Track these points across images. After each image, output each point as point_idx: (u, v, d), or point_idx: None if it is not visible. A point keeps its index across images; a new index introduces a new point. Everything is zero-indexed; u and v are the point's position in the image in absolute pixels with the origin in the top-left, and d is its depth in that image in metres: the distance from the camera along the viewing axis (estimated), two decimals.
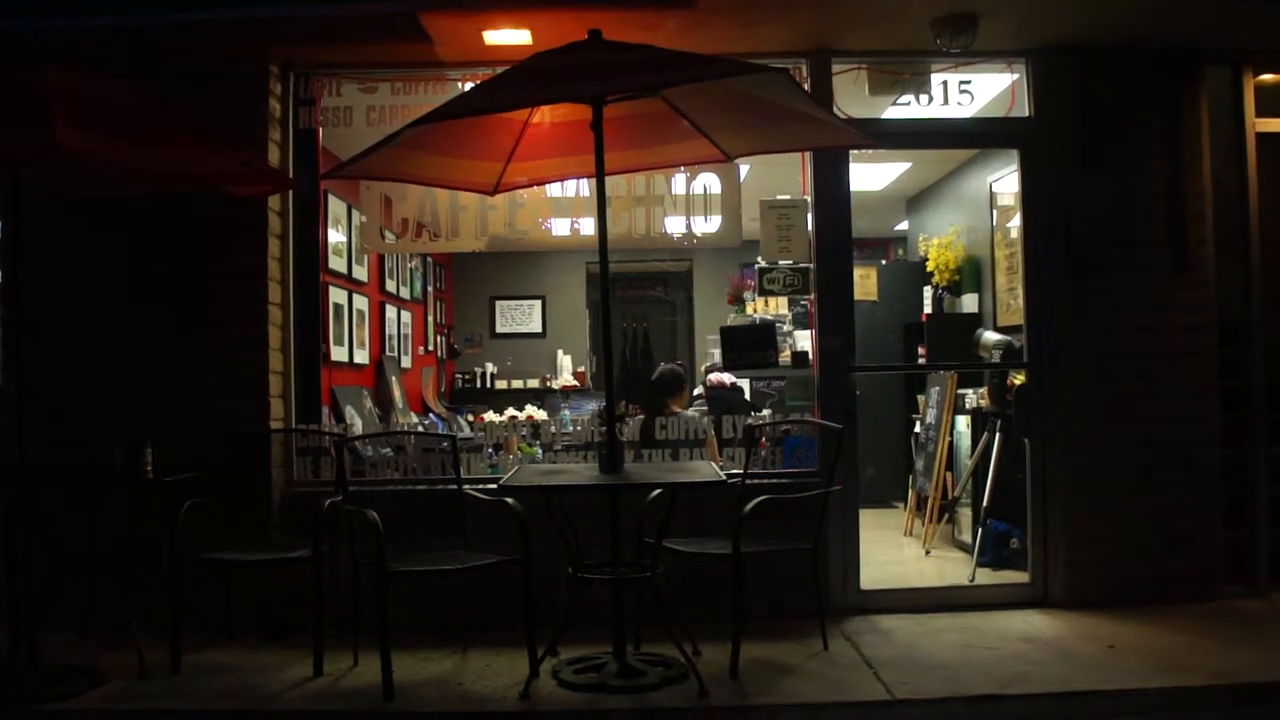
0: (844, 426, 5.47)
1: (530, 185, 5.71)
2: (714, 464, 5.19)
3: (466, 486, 5.47)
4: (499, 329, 12.23)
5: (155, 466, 4.98)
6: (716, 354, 10.76)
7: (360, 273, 8.34)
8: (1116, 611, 5.72)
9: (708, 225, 5.99)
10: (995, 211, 8.33)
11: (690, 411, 6.66)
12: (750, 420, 6.04)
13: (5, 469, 4.75)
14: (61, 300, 5.57)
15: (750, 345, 6.29)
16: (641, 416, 6.42)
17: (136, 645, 4.92)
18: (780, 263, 6.07)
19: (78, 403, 5.53)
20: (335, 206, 7.65)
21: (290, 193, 5.79)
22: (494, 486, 5.10)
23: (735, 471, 5.73)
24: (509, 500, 4.83)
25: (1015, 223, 7.77)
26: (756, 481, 5.65)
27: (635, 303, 13.33)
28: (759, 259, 6.25)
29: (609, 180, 4.98)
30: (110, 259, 5.64)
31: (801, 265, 6.06)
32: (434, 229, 5.94)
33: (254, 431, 5.60)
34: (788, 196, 6.05)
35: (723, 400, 7.59)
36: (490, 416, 7.72)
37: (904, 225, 11.00)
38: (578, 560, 4.88)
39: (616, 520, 4.80)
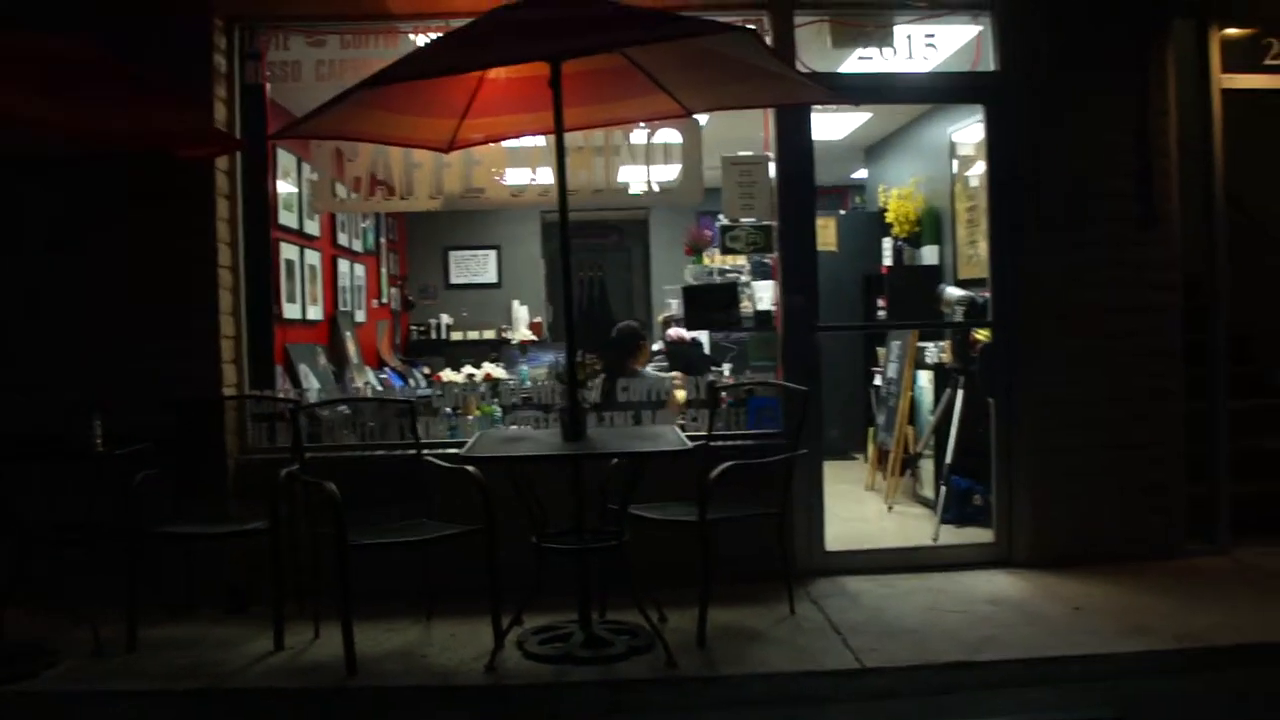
0: (809, 389, 5.40)
1: (486, 142, 5.54)
2: (677, 428, 5.10)
3: (426, 453, 5.37)
4: (453, 280, 12.06)
5: (106, 437, 4.81)
6: (674, 304, 10.69)
7: (312, 227, 8.13)
8: (1081, 570, 5.73)
9: (668, 182, 5.86)
10: (956, 162, 8.26)
11: (650, 369, 6.57)
12: (714, 381, 5.96)
13: None
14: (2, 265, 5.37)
15: (713, 304, 6.19)
16: (600, 370, 6.33)
17: (92, 621, 4.80)
18: (743, 220, 5.96)
19: (24, 372, 5.35)
20: (285, 160, 7.43)
21: (240, 160, 5.59)
22: (455, 453, 5.00)
23: (699, 433, 5.67)
24: (470, 469, 4.73)
25: (976, 173, 7.71)
26: (721, 444, 5.59)
27: (591, 250, 13.16)
28: (719, 216, 6.14)
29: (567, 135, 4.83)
30: (50, 222, 5.43)
31: (764, 223, 5.95)
32: (388, 187, 5.77)
33: (207, 398, 5.44)
34: (750, 153, 5.93)
35: (682, 356, 7.52)
36: (448, 375, 7.57)
37: (862, 173, 10.90)
38: (542, 528, 4.79)
39: (581, 489, 4.71)
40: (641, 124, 5.75)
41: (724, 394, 5.83)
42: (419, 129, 5.20)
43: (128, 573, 4.80)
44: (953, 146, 8.27)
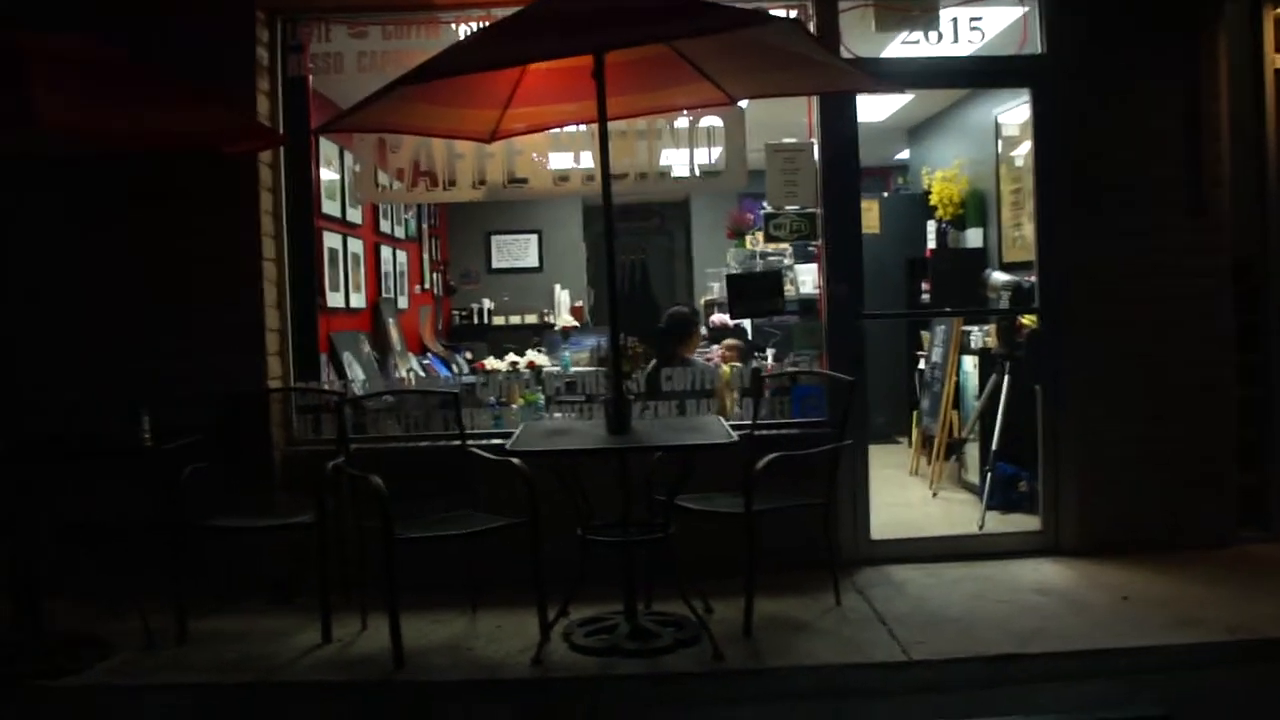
0: (854, 379, 5.37)
1: (528, 132, 5.54)
2: (723, 420, 5.08)
3: (471, 444, 5.38)
4: (495, 265, 12.06)
5: (154, 431, 4.85)
6: (716, 287, 10.68)
7: (354, 215, 8.15)
8: (1129, 559, 5.67)
9: (711, 165, 5.82)
10: (1001, 144, 8.16)
11: (699, 358, 6.55)
12: (758, 369, 5.93)
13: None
14: (49, 265, 5.42)
15: (758, 293, 6.14)
16: (640, 352, 6.32)
17: (142, 614, 4.86)
18: (787, 208, 5.91)
19: (71, 370, 5.40)
20: (327, 149, 7.43)
21: (283, 152, 5.61)
22: (499, 444, 5.03)
23: (744, 422, 5.65)
24: (515, 461, 4.73)
25: (1020, 151, 7.62)
26: (766, 433, 5.57)
27: (633, 233, 13.14)
28: (763, 201, 6.09)
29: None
30: (98, 221, 5.48)
31: (809, 210, 5.90)
32: (431, 177, 5.77)
33: (253, 392, 5.49)
34: (794, 140, 5.88)
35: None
36: (491, 363, 7.60)
37: (905, 154, 10.80)
38: (587, 520, 4.80)
39: (627, 482, 4.70)
40: (685, 113, 5.70)
41: (767, 382, 5.80)
42: (462, 120, 5.20)
43: (176, 566, 4.85)
44: (998, 127, 8.17)
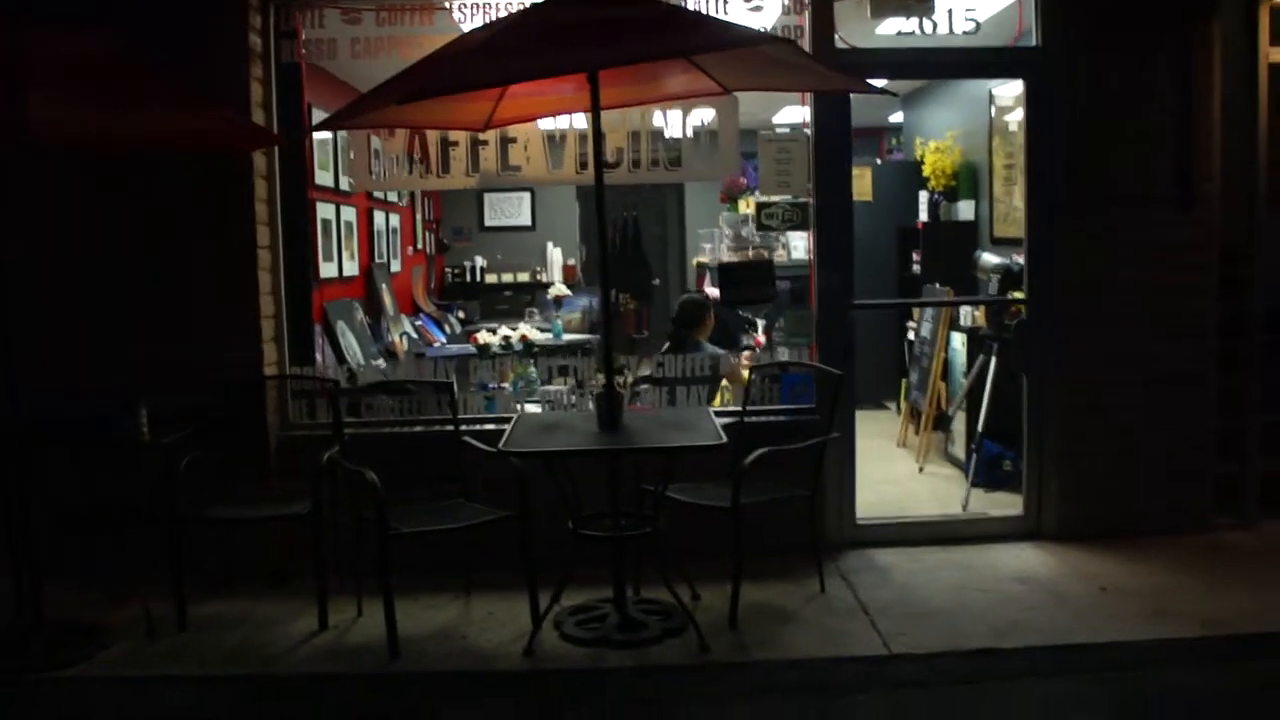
0: (843, 372, 5.45)
1: (523, 121, 5.56)
2: (713, 415, 5.16)
3: (464, 429, 5.46)
4: (488, 223, 12.08)
5: (152, 421, 4.91)
6: (708, 248, 10.71)
7: (347, 183, 8.17)
8: (1108, 545, 5.80)
9: (705, 126, 5.85)
10: (994, 115, 8.17)
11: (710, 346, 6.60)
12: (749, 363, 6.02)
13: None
14: (44, 250, 5.44)
15: (749, 282, 6.21)
16: (634, 309, 6.37)
17: (143, 602, 4.96)
18: (779, 198, 5.95)
19: (68, 355, 5.44)
20: (319, 117, 7.40)
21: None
22: (492, 430, 5.21)
23: (735, 409, 5.75)
24: (513, 459, 4.79)
25: (1014, 122, 7.63)
26: (755, 420, 5.66)
27: (625, 190, 13.10)
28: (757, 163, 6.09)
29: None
30: (93, 207, 5.49)
31: (800, 200, 5.94)
32: (424, 164, 5.79)
33: (248, 379, 5.55)
34: (787, 129, 5.91)
35: (718, 318, 7.55)
36: (484, 336, 7.65)
37: (899, 116, 10.79)
38: (577, 512, 4.89)
39: (616, 477, 4.80)
40: (679, 102, 5.73)
41: (754, 376, 5.87)
42: (455, 112, 5.20)
43: (175, 556, 4.93)
44: (991, 98, 8.19)
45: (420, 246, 10.71)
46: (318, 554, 4.94)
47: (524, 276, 11.66)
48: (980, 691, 4.40)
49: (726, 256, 9.35)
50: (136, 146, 4.53)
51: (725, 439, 4.63)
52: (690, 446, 4.62)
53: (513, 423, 5.09)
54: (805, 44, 5.66)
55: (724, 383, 6.08)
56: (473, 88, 4.44)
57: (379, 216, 9.07)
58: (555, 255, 11.75)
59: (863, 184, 9.45)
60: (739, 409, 5.69)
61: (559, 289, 9.79)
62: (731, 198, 10.00)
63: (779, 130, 5.92)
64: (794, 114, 6.45)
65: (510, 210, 12.03)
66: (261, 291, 5.58)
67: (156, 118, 4.40)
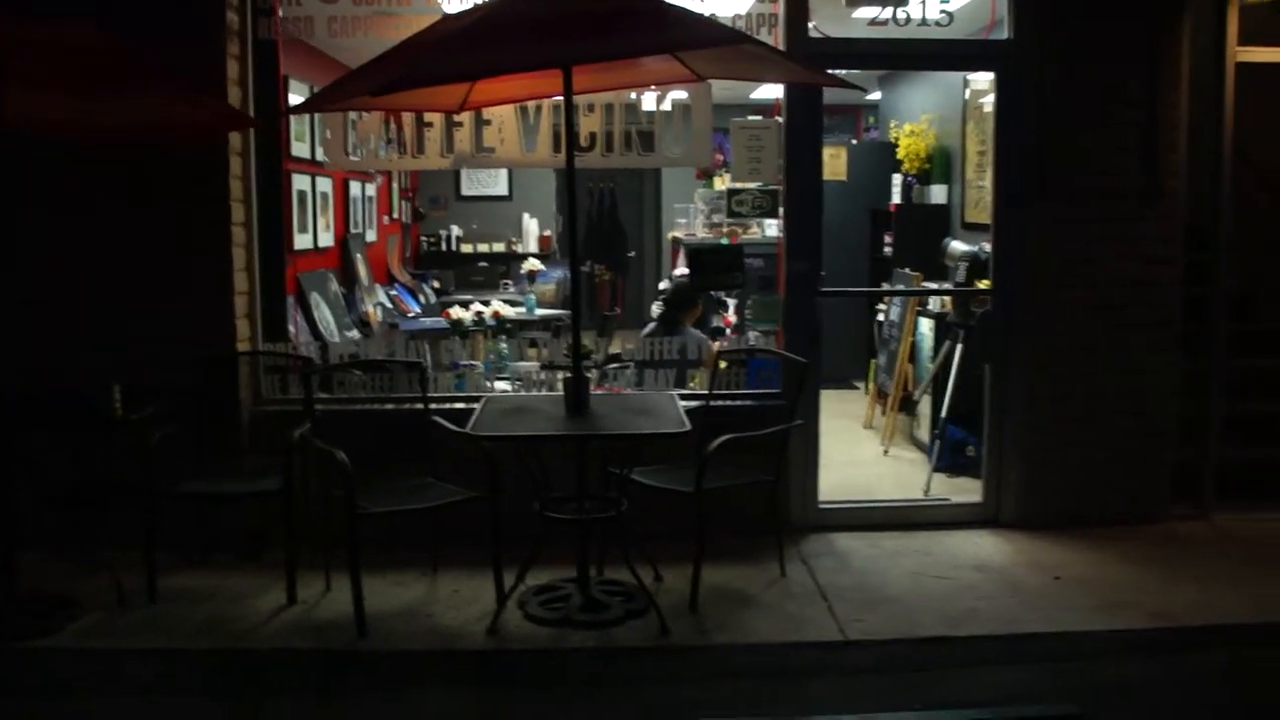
0: (808, 361, 5.54)
1: (497, 104, 5.60)
2: (678, 400, 5.24)
3: (434, 407, 5.52)
4: (464, 192, 12.08)
5: (125, 397, 4.95)
6: (683, 222, 10.78)
7: (323, 153, 8.17)
8: (1066, 534, 5.93)
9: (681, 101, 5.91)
10: (968, 98, 8.24)
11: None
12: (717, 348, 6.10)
13: None
14: (17, 227, 5.44)
15: (718, 267, 6.29)
16: (609, 279, 6.42)
17: (114, 575, 5.02)
18: (750, 185, 6.02)
19: (42, 333, 5.46)
20: (298, 88, 7.42)
21: (252, 112, 5.65)
22: (462, 409, 5.27)
23: (701, 392, 5.84)
24: (484, 444, 4.86)
25: (988, 103, 7.69)
26: (722, 404, 5.75)
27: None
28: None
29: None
30: (66, 184, 5.50)
31: (770, 187, 6.01)
32: (399, 145, 5.83)
33: (222, 355, 5.59)
34: (759, 117, 5.96)
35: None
36: (457, 312, 7.71)
37: (876, 95, 10.84)
38: (544, 495, 4.97)
39: (582, 460, 4.88)
40: (653, 88, 5.78)
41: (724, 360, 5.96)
42: (431, 95, 5.19)
43: (146, 528, 4.99)
44: (966, 82, 8.26)
45: (396, 216, 10.73)
46: (288, 530, 5.01)
47: (499, 246, 11.68)
48: (933, 678, 4.54)
49: (702, 233, 9.44)
50: (111, 140, 4.52)
51: (689, 426, 4.72)
52: (654, 434, 4.71)
53: (481, 404, 5.16)
54: (779, 32, 5.72)
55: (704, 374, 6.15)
56: (446, 81, 4.49)
57: (355, 186, 9.08)
58: (531, 226, 11.78)
59: (837, 164, 9.55)
60: (706, 392, 5.77)
61: (532, 264, 9.84)
62: (707, 175, 10.09)
63: (751, 118, 5.95)
64: (771, 90, 6.45)
65: (487, 180, 12.02)
66: (235, 268, 5.62)
67: (132, 105, 4.41)
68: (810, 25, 5.77)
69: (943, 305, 7.53)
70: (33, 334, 5.35)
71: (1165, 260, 5.99)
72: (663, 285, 8.17)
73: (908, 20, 5.89)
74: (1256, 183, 7.02)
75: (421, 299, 10.12)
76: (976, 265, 6.82)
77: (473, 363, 6.35)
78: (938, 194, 8.72)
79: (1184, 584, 5.30)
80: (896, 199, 9.04)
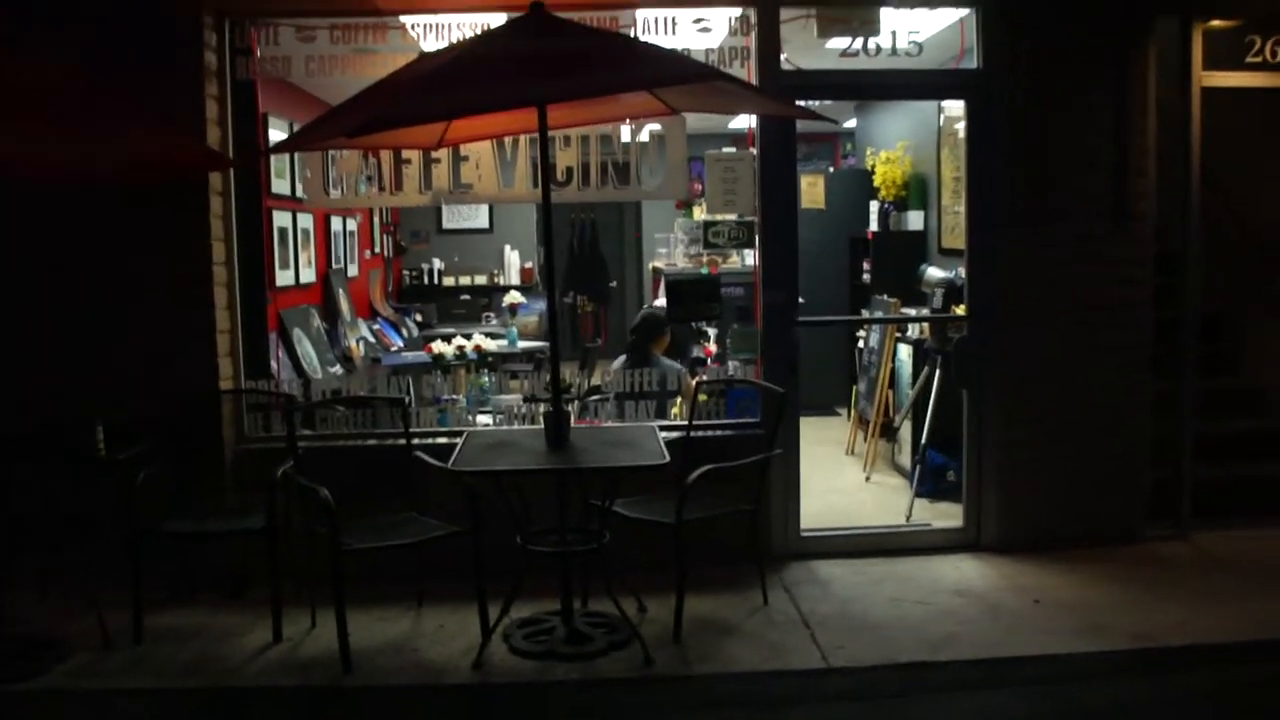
0: (785, 391, 5.59)
1: (473, 141, 5.67)
2: (658, 432, 5.29)
3: (416, 442, 5.56)
4: (446, 225, 12.15)
5: (108, 435, 4.98)
6: (664, 252, 10.85)
7: (303, 190, 8.22)
8: (1045, 557, 5.98)
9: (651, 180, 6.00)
10: (942, 128, 8.34)
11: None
12: (694, 371, 6.15)
13: None
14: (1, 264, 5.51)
15: (696, 298, 6.35)
16: (591, 311, 6.46)
17: (99, 613, 5.02)
18: (725, 216, 6.08)
19: (23, 370, 5.50)
20: (278, 125, 7.47)
21: (231, 152, 5.70)
22: (444, 443, 5.33)
23: (681, 423, 5.88)
24: (466, 479, 4.89)
25: (962, 129, 7.77)
26: (701, 434, 5.79)
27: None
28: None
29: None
30: (48, 221, 5.53)
31: (746, 219, 6.07)
32: (377, 184, 5.89)
33: (204, 393, 5.62)
34: (733, 149, 6.03)
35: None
36: (439, 346, 7.75)
37: (852, 123, 10.95)
38: (525, 529, 5.00)
39: (564, 496, 4.92)
40: (627, 121, 5.85)
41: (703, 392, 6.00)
42: (408, 134, 5.25)
43: (131, 567, 5.00)
44: (940, 108, 8.36)
45: (378, 250, 10.79)
46: (272, 566, 5.04)
47: (481, 279, 11.75)
48: (913, 704, 4.57)
49: (682, 262, 9.52)
50: (92, 181, 4.56)
51: (668, 458, 4.76)
52: (633, 467, 4.75)
53: (463, 439, 5.20)
54: (752, 66, 5.80)
55: (682, 404, 6.21)
56: (422, 121, 4.54)
57: (336, 221, 9.14)
58: (513, 258, 11.85)
59: (815, 192, 9.65)
60: (686, 422, 5.82)
61: (514, 297, 9.90)
62: (687, 205, 10.16)
63: (725, 150, 6.02)
64: (748, 119, 6.50)
65: (468, 213, 12.09)
66: (217, 306, 5.67)
67: (113, 147, 4.46)
68: (782, 58, 5.86)
69: (921, 331, 7.60)
70: (12, 371, 5.38)
71: (1136, 281, 6.07)
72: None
73: (879, 51, 5.99)
74: (1223, 206, 7.10)
75: (404, 332, 10.17)
76: (952, 291, 6.90)
77: (455, 397, 6.39)
78: (914, 220, 8.80)
79: (1165, 604, 5.35)
80: (874, 226, 9.12)
